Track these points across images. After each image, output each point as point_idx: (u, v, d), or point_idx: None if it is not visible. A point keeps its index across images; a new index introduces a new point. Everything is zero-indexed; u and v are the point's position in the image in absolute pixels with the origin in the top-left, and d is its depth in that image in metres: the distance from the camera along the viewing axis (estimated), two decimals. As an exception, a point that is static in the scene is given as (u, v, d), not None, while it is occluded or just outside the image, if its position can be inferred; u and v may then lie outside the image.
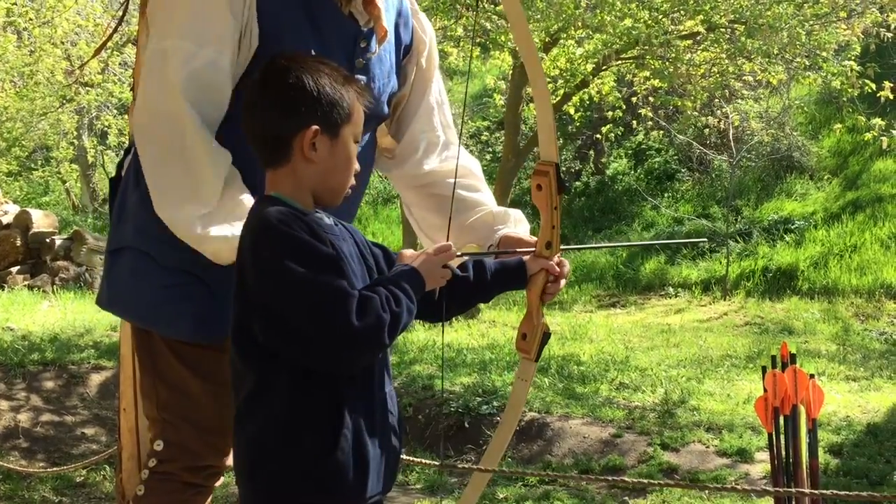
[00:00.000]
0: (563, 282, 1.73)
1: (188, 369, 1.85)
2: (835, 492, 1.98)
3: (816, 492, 1.86)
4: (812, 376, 2.13)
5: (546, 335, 1.72)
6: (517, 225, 1.91)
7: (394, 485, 1.60)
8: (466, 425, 5.10)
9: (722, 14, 7.67)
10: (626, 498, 4.10)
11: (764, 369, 2.18)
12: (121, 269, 1.91)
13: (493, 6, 8.18)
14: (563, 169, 13.18)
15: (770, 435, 2.16)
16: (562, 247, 1.70)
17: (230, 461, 1.85)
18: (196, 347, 1.84)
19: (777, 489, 1.94)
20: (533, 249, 1.72)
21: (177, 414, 1.86)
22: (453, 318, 8.51)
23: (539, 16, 7.57)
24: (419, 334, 7.56)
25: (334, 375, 1.44)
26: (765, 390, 2.12)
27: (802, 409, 2.10)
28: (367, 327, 1.37)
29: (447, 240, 1.66)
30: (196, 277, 1.83)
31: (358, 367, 1.45)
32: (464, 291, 1.66)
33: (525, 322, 1.71)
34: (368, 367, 1.49)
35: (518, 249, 1.78)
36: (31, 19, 9.25)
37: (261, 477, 1.45)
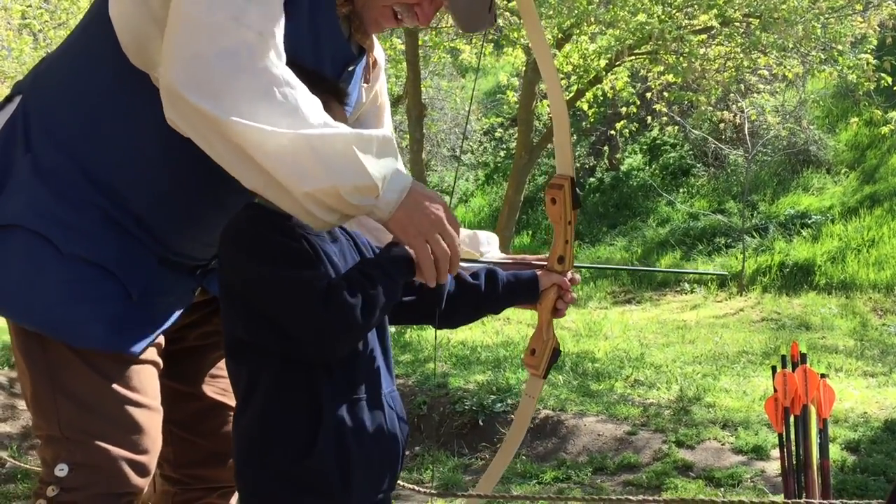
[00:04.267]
0: (572, 296, 1.71)
1: (103, 379, 1.56)
2: (844, 501, 1.95)
3: (825, 502, 1.84)
4: (823, 376, 2.11)
5: (556, 352, 1.69)
6: (489, 245, 1.86)
7: (401, 485, 1.59)
8: (481, 423, 5.11)
9: (736, 8, 7.62)
10: (641, 496, 4.09)
11: (774, 369, 2.17)
12: (6, 256, 1.53)
13: (505, 2, 8.17)
14: (577, 165, 13.15)
15: (780, 435, 2.15)
16: (575, 264, 1.67)
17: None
18: (112, 355, 1.56)
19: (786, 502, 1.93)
20: (544, 263, 1.69)
21: (86, 432, 1.55)
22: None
23: (551, 12, 7.55)
24: (432, 332, 7.58)
25: (315, 376, 1.45)
26: (775, 390, 2.11)
27: (813, 410, 2.09)
28: (334, 315, 1.37)
29: None
30: (109, 274, 1.55)
31: (341, 352, 1.44)
32: (473, 301, 1.64)
33: (535, 338, 1.68)
34: (352, 369, 1.48)
35: (533, 261, 1.75)
36: (46, 21, 9.32)
37: (246, 475, 1.48)
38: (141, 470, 1.59)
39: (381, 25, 1.66)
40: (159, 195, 1.59)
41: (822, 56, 7.94)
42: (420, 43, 8.89)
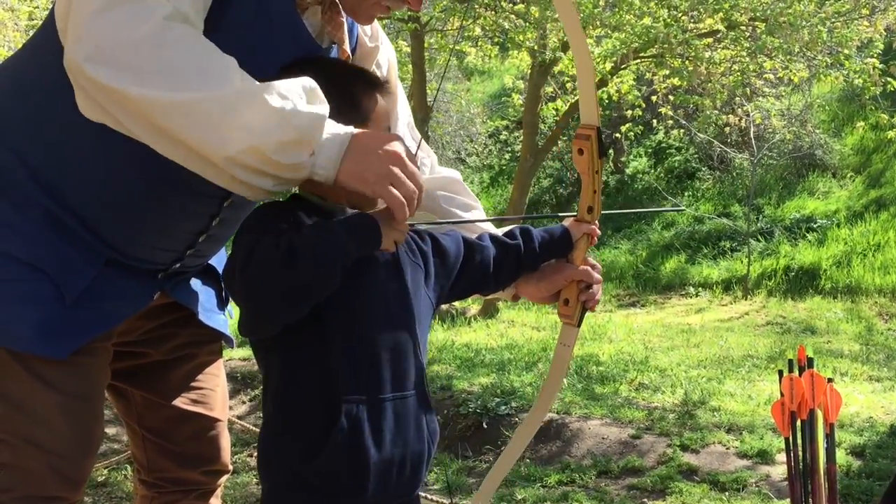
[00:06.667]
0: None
1: (35, 379, 1.50)
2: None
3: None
4: (830, 380, 2.11)
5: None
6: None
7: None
8: (485, 426, 5.10)
9: (742, 12, 7.61)
10: (646, 500, 4.09)
11: (780, 373, 2.17)
12: None
13: (511, 5, 8.17)
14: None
15: (787, 440, 2.15)
16: (603, 211, 1.69)
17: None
18: (46, 357, 1.51)
19: None
20: (574, 214, 1.70)
21: (15, 433, 1.51)
22: (473, 318, 8.52)
23: (557, 16, 7.55)
24: (438, 334, 7.58)
25: (335, 375, 1.40)
26: (781, 395, 2.11)
27: (820, 414, 2.09)
28: (254, 269, 1.29)
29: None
30: (42, 274, 1.49)
31: (277, 311, 1.33)
32: (515, 260, 1.66)
33: (567, 288, 1.69)
34: (378, 367, 1.43)
35: (564, 214, 1.76)
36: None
37: (263, 474, 1.47)
38: (69, 476, 1.56)
39: (373, 17, 1.59)
40: (103, 198, 1.53)
41: (829, 60, 7.93)
42: (426, 46, 8.90)
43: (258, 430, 4.10)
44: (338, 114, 1.40)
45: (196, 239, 1.66)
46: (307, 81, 1.36)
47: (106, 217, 1.55)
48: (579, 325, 1.71)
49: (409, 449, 1.47)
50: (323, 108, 1.36)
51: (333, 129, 1.36)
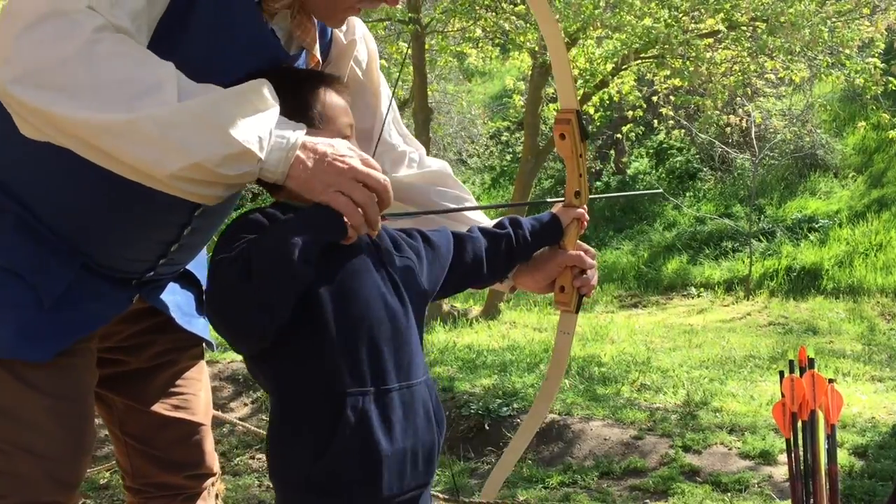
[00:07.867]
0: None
1: (21, 384, 1.48)
2: None
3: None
4: (831, 381, 2.11)
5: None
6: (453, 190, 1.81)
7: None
8: (486, 427, 5.10)
9: (743, 12, 7.61)
10: (648, 501, 4.09)
11: (781, 374, 2.17)
12: None
13: (511, 6, 8.17)
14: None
15: (788, 441, 2.15)
16: (590, 195, 1.68)
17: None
18: (32, 362, 1.49)
19: None
20: (562, 200, 1.68)
21: (6, 439, 1.49)
22: (475, 320, 8.52)
23: (558, 16, 7.55)
24: (439, 336, 7.58)
25: (338, 369, 1.37)
26: (782, 395, 2.10)
27: (821, 415, 2.08)
28: (217, 285, 1.26)
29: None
30: (20, 279, 1.47)
31: (253, 323, 1.29)
32: (507, 250, 1.64)
33: (562, 276, 1.68)
34: (380, 358, 1.40)
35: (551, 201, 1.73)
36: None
37: (275, 480, 1.44)
38: (63, 479, 1.54)
39: (344, 20, 1.55)
40: (67, 211, 1.51)
41: (830, 60, 7.92)
42: (427, 47, 8.91)
43: (260, 431, 4.08)
44: (290, 119, 1.36)
45: (168, 249, 1.64)
46: (253, 84, 1.31)
47: (72, 228, 1.53)
48: (577, 312, 1.70)
49: (420, 439, 1.43)
50: (271, 111, 1.31)
51: (282, 131, 1.31)
